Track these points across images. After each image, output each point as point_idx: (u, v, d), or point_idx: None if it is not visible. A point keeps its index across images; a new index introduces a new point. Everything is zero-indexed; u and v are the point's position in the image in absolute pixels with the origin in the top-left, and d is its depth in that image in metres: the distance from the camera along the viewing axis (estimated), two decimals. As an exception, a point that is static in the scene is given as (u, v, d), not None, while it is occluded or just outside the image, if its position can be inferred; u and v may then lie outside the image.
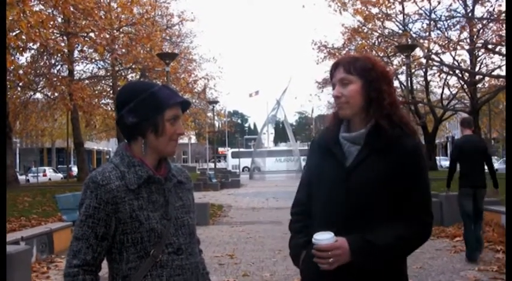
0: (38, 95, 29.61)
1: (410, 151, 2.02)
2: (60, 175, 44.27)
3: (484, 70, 28.26)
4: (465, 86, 29.55)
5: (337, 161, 2.07)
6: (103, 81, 30.85)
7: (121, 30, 24.34)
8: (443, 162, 43.76)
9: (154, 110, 1.91)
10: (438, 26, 26.68)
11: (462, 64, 28.04)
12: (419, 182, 2.03)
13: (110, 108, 27.73)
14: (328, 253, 1.92)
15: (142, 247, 1.87)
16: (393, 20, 27.56)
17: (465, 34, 24.71)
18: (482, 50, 25.31)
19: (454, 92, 33.08)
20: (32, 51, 23.79)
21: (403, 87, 25.19)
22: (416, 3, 25.77)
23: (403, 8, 27.69)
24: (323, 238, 1.93)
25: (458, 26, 25.11)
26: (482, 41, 23.65)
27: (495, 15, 21.01)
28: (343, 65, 2.09)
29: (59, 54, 22.02)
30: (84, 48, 24.29)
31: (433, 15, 27.13)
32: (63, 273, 1.87)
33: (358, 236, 1.95)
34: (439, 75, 30.67)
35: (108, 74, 28.41)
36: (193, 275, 1.96)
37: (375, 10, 24.97)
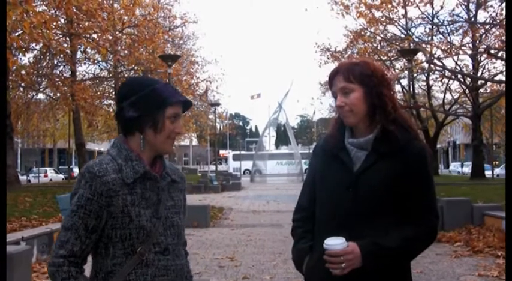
0: (40, 96, 29.61)
1: (417, 154, 2.04)
2: (61, 176, 44.34)
3: (486, 75, 28.24)
4: (467, 91, 29.53)
5: (345, 166, 2.07)
6: (105, 83, 30.83)
7: (123, 31, 24.35)
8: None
9: (156, 106, 1.89)
10: (441, 30, 26.74)
11: (464, 69, 28.05)
12: (425, 185, 2.04)
13: (111, 109, 27.72)
14: (341, 257, 1.93)
15: (129, 243, 1.85)
16: (396, 24, 27.56)
17: (468, 39, 24.69)
18: (485, 55, 25.27)
19: (456, 97, 33.07)
20: (35, 52, 23.82)
21: (405, 92, 25.17)
22: (419, 8, 25.80)
23: (406, 12, 27.71)
24: (335, 243, 1.94)
25: (460, 31, 25.15)
26: (485, 46, 23.63)
27: (498, 21, 21.01)
28: (342, 72, 2.07)
29: (62, 55, 22.04)
30: (87, 50, 24.29)
31: (435, 20, 27.17)
32: (48, 263, 1.84)
33: (368, 240, 1.96)
34: (441, 80, 30.64)
35: (111, 75, 28.38)
36: (177, 277, 1.94)
37: (377, 14, 24.98)
